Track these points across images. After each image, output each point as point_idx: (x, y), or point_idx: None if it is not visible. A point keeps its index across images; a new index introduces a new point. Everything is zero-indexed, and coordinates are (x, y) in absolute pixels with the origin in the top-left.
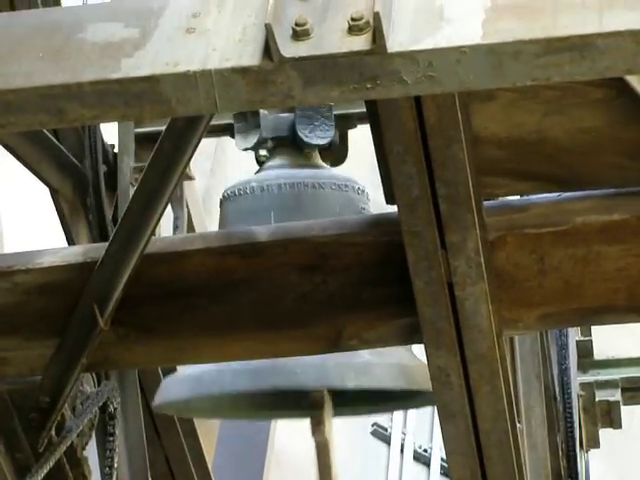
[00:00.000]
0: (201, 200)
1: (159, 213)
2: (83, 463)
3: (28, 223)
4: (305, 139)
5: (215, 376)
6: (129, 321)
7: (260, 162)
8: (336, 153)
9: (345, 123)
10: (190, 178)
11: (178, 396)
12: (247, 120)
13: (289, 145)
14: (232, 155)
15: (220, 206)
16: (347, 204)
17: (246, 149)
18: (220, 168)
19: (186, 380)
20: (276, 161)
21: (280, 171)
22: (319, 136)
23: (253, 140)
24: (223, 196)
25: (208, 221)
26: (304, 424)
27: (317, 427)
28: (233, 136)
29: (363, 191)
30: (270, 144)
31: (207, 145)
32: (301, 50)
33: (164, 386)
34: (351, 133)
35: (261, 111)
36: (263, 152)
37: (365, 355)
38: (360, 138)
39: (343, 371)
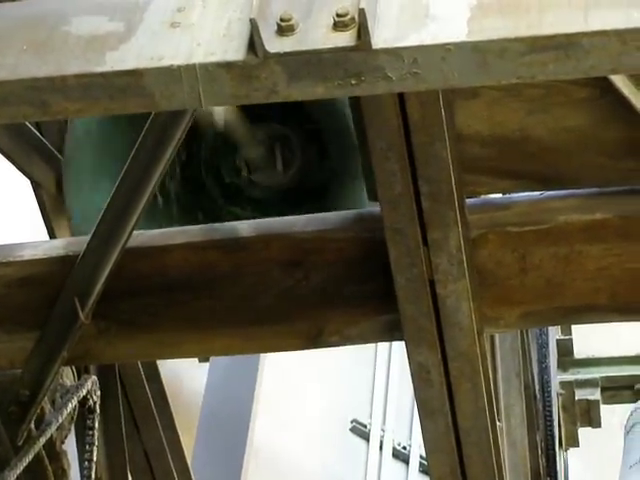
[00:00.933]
0: None
1: (141, 207)
2: (62, 457)
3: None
4: None
5: None
6: (110, 315)
7: None
8: None
9: None
10: None
11: None
12: None
13: None
14: None
15: None
16: None
17: None
18: None
19: None
20: None
21: None
22: None
23: None
24: None
25: None
26: (284, 420)
27: None
28: None
29: None
30: None
31: None
32: (286, 45)
33: None
34: None
35: None
36: None
37: None
38: None
39: None
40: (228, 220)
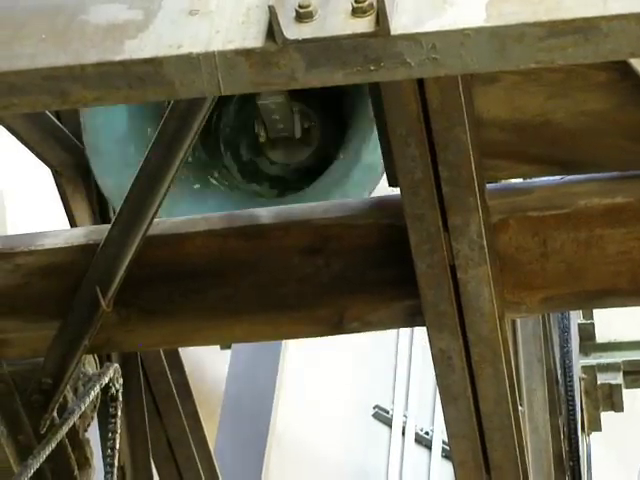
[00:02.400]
0: None
1: (162, 195)
2: (85, 445)
3: (31, 205)
4: None
5: None
6: (131, 303)
7: None
8: None
9: None
10: None
11: None
12: None
13: None
14: None
15: None
16: None
17: None
18: None
19: None
20: None
21: None
22: None
23: None
24: None
25: None
26: (306, 406)
27: None
28: None
29: None
30: None
31: None
32: (304, 32)
33: None
34: None
35: None
36: None
37: None
38: None
39: None
40: (244, 194)
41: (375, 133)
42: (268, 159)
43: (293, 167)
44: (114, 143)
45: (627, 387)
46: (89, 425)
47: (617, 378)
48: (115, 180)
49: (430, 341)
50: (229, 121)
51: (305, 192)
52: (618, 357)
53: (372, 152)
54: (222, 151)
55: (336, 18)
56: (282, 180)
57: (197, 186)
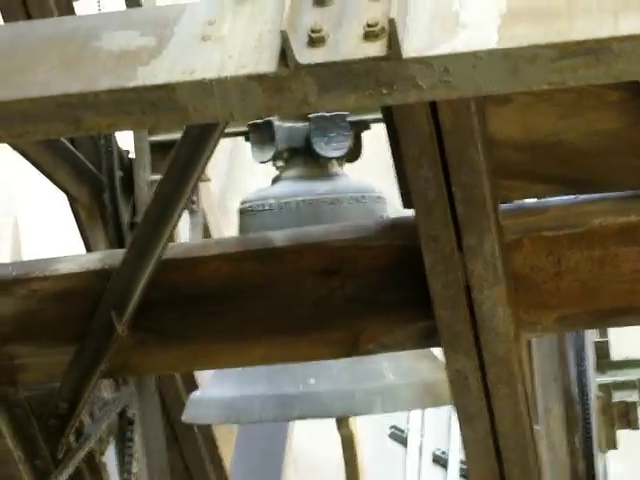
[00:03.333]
0: (216, 202)
1: (175, 219)
2: (102, 469)
3: (47, 231)
4: (321, 152)
5: (245, 405)
6: (147, 327)
7: (277, 166)
8: (351, 153)
9: (359, 126)
10: (206, 179)
11: (207, 419)
12: (262, 130)
13: (305, 155)
14: (248, 155)
15: (239, 218)
16: (365, 215)
17: (263, 162)
18: (236, 168)
19: (214, 405)
20: (292, 172)
21: (297, 185)
22: (335, 148)
23: (270, 153)
24: (241, 209)
25: (224, 222)
26: (323, 427)
27: (342, 422)
28: (248, 139)
29: (380, 198)
30: (286, 155)
31: (222, 145)
32: (317, 56)
33: (192, 405)
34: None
35: (276, 122)
36: (280, 163)
37: (389, 376)
38: (373, 137)
39: (370, 397)
40: None
41: None
42: None
43: None
44: None
45: None
46: (106, 449)
47: (633, 396)
48: None
49: (446, 362)
50: None
51: None
52: (633, 375)
53: None
54: None
55: (348, 42)
56: None
57: None
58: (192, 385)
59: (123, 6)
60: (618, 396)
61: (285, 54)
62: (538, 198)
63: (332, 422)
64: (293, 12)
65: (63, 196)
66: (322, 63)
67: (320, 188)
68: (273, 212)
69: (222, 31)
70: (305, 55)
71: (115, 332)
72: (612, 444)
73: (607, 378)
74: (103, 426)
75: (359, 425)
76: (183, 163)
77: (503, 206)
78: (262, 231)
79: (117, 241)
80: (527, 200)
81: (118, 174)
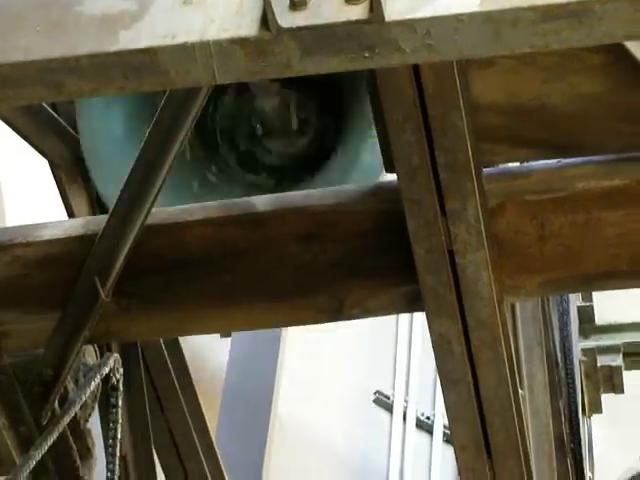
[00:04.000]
0: None
1: (159, 184)
2: (86, 435)
3: (29, 196)
4: None
5: None
6: (131, 293)
7: None
8: None
9: None
10: None
11: None
12: None
13: None
14: None
15: None
16: None
17: None
18: None
19: None
20: None
21: None
22: None
23: None
24: None
25: None
26: (307, 393)
27: None
28: None
29: None
30: None
31: None
32: (299, 20)
33: None
34: None
35: None
36: None
37: None
38: None
39: None
40: (241, 185)
41: (373, 132)
42: (265, 148)
43: (291, 157)
44: (112, 147)
45: (627, 369)
46: (90, 415)
47: (617, 360)
48: (114, 185)
49: (429, 326)
50: (225, 111)
51: (304, 184)
52: (618, 339)
53: (370, 152)
54: (218, 142)
55: (330, 5)
56: (280, 170)
57: (196, 186)
58: (176, 350)
59: None
60: (602, 360)
61: (267, 18)
62: (521, 162)
63: (318, 387)
64: None
65: (45, 162)
66: (304, 26)
67: None
68: None
69: None
70: (287, 19)
71: (99, 298)
72: (597, 408)
73: (591, 342)
74: (87, 392)
75: (341, 391)
76: (166, 127)
77: (486, 170)
78: None
79: (100, 207)
80: (510, 164)
81: None
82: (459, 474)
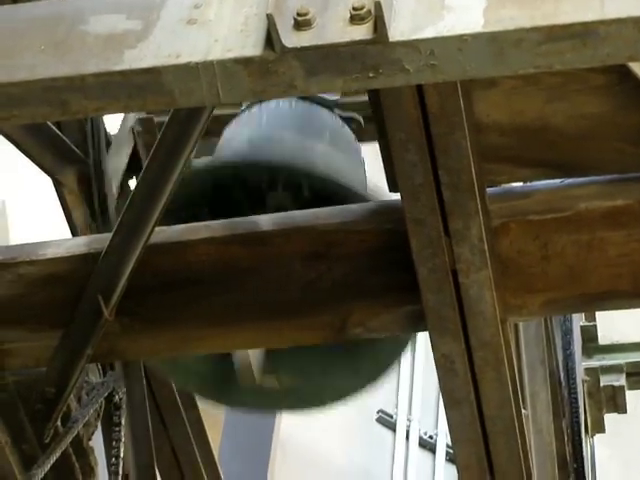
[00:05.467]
0: None
1: (162, 203)
2: (89, 453)
3: (34, 214)
4: None
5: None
6: (134, 311)
7: None
8: None
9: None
10: None
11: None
12: None
13: None
14: None
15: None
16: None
17: None
18: None
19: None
20: None
21: None
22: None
23: None
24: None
25: None
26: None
27: None
28: None
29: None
30: None
31: None
32: (303, 40)
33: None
34: None
35: None
36: None
37: None
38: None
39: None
40: None
41: None
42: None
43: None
44: None
45: (630, 388)
46: (93, 434)
47: (620, 380)
48: None
49: (433, 346)
50: None
51: None
52: (621, 359)
53: None
54: None
55: (334, 25)
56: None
57: None
58: None
59: None
60: (605, 380)
61: (271, 38)
62: (524, 182)
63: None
64: None
65: (49, 180)
66: (308, 46)
67: None
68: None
69: (208, 15)
70: (291, 38)
71: (102, 317)
72: (599, 428)
73: (594, 362)
74: (90, 411)
75: (345, 409)
76: (170, 147)
77: (489, 190)
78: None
79: (103, 226)
80: (514, 184)
81: (105, 158)
82: None
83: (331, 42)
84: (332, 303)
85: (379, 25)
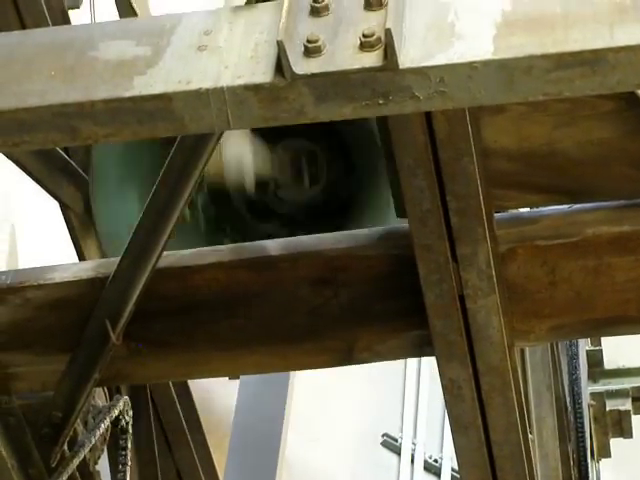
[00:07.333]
0: None
1: (170, 228)
2: (95, 477)
3: (42, 238)
4: None
5: None
6: (141, 336)
7: None
8: None
9: None
10: None
11: None
12: None
13: None
14: None
15: None
16: None
17: None
18: None
19: None
20: None
21: None
22: None
23: None
24: None
25: None
26: (315, 435)
27: None
28: None
29: None
30: None
31: None
32: (313, 67)
33: None
34: None
35: None
36: None
37: None
38: None
39: None
40: (256, 235)
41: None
42: (277, 196)
43: (305, 205)
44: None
45: (636, 413)
46: (99, 457)
47: (626, 404)
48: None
49: (440, 371)
50: None
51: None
52: (627, 383)
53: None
54: (230, 194)
55: (344, 52)
56: (293, 218)
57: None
58: (185, 393)
59: (116, 16)
60: (611, 404)
61: (281, 64)
62: (532, 208)
63: (326, 429)
64: (289, 22)
65: (57, 204)
66: (318, 73)
67: None
68: None
69: (218, 41)
70: (301, 65)
71: (109, 341)
72: (605, 453)
73: (600, 387)
74: (97, 435)
75: (350, 432)
76: (178, 172)
77: (497, 216)
78: None
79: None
80: (521, 209)
81: None
82: None
83: (341, 69)
84: (339, 328)
85: (389, 52)
